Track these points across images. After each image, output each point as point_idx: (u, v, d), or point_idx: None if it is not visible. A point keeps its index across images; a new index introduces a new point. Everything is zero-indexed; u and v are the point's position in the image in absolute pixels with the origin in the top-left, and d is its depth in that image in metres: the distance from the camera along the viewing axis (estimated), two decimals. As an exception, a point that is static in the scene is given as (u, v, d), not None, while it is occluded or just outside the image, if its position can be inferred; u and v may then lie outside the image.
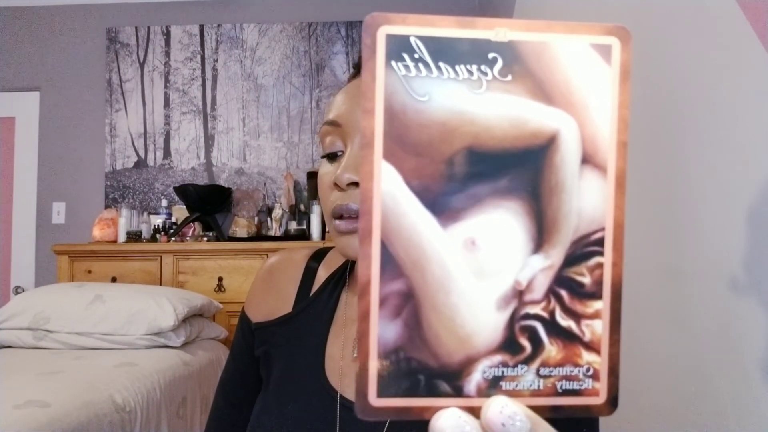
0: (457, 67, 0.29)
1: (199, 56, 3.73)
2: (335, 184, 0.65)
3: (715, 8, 1.00)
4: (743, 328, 0.92)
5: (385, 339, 0.30)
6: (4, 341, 2.42)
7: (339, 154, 0.67)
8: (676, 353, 1.12)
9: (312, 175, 3.46)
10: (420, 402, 0.30)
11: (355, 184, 0.64)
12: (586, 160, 0.30)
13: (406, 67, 0.29)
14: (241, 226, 3.28)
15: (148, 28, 3.73)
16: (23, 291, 3.46)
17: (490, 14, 3.21)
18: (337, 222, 0.65)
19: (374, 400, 0.30)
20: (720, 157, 0.99)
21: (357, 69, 0.75)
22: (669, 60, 1.13)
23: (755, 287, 0.90)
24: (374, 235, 0.29)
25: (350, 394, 0.69)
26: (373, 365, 0.30)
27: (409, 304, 0.30)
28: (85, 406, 1.69)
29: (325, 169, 0.69)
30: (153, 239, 3.28)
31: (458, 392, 0.30)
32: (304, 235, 3.30)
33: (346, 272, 0.79)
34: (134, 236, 3.30)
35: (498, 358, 0.31)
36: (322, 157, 0.70)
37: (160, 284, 3.08)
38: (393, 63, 0.29)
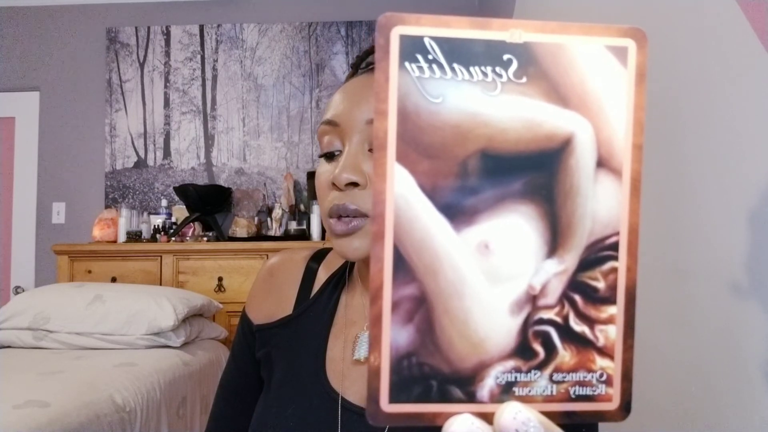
0: (471, 69, 0.29)
1: (199, 56, 3.72)
2: (333, 184, 0.65)
3: (715, 8, 1.00)
4: (744, 329, 0.92)
5: (398, 344, 0.29)
6: (4, 341, 2.42)
7: (337, 153, 0.67)
8: (676, 353, 1.12)
9: (312, 175, 3.45)
10: (432, 408, 0.30)
11: (354, 184, 0.63)
12: (601, 163, 0.30)
13: (420, 68, 0.29)
14: (241, 226, 3.28)
15: (148, 28, 3.73)
16: (23, 291, 3.45)
17: (490, 14, 3.20)
18: (334, 224, 0.65)
19: (386, 405, 0.29)
20: (721, 158, 0.99)
21: (355, 68, 0.75)
22: (669, 60, 1.13)
23: (756, 288, 0.89)
24: (387, 238, 0.29)
25: (351, 396, 0.69)
26: (385, 370, 0.29)
27: (421, 309, 0.29)
28: (85, 406, 1.68)
29: (323, 169, 0.68)
30: (153, 239, 3.28)
31: (471, 398, 0.30)
32: (304, 235, 3.30)
33: (346, 273, 0.79)
34: (134, 236, 3.30)
35: (511, 363, 0.30)
36: (320, 156, 0.70)
37: (160, 284, 3.07)
38: (406, 64, 0.29)
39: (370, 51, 0.75)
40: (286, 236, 3.31)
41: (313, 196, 3.38)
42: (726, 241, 0.97)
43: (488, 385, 0.30)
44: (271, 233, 3.34)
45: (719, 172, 0.99)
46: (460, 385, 0.30)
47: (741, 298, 0.93)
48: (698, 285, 1.05)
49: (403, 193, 0.29)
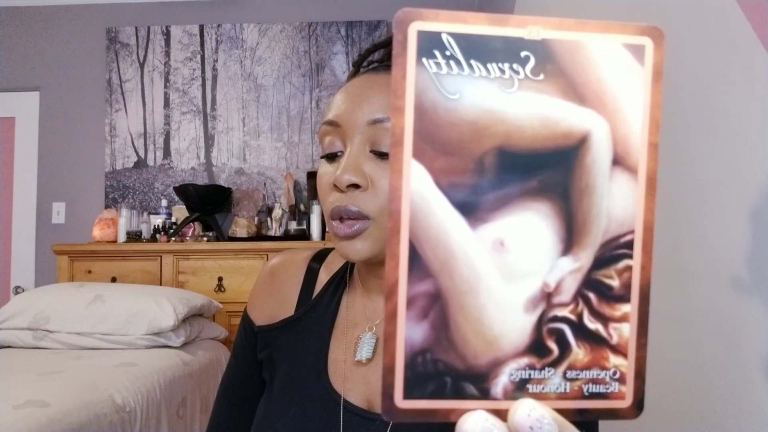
0: (488, 65, 0.29)
1: (199, 56, 3.72)
2: (334, 185, 0.64)
3: (715, 8, 1.00)
4: (745, 328, 0.92)
5: (412, 340, 0.29)
6: (4, 341, 2.41)
7: (338, 154, 0.67)
8: (677, 352, 1.12)
9: (312, 175, 3.45)
10: (446, 404, 0.30)
11: (355, 185, 0.63)
12: (617, 161, 0.30)
13: (437, 64, 0.29)
14: (241, 226, 3.28)
15: (148, 28, 3.72)
16: (23, 291, 3.45)
17: (490, 12, 3.20)
18: (337, 226, 0.65)
19: (400, 401, 0.29)
20: (721, 157, 0.99)
21: (357, 67, 0.74)
22: (669, 60, 1.13)
23: (758, 287, 0.90)
24: (402, 234, 0.29)
25: (353, 397, 0.69)
26: (400, 366, 0.29)
27: (436, 305, 0.29)
28: (85, 406, 1.68)
29: (324, 170, 0.68)
30: (153, 239, 3.28)
31: (485, 394, 0.30)
32: (304, 235, 3.30)
33: (346, 274, 0.79)
34: (134, 236, 3.30)
35: (525, 360, 0.30)
36: (322, 157, 0.69)
37: (160, 284, 3.07)
38: (424, 60, 0.29)
39: (372, 49, 0.74)
40: (286, 236, 3.31)
41: (313, 196, 3.38)
42: (727, 239, 0.97)
43: (502, 382, 0.30)
44: (271, 233, 3.33)
45: (719, 170, 1.00)
46: (474, 381, 0.30)
47: (742, 296, 0.93)
48: (699, 283, 1.05)
49: (419, 189, 0.29)
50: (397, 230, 0.29)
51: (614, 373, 0.31)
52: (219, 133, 3.69)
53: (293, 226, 3.34)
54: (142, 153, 3.68)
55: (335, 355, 0.72)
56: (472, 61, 0.29)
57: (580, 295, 0.30)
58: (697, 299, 1.07)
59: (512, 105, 0.29)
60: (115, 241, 3.32)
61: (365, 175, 0.63)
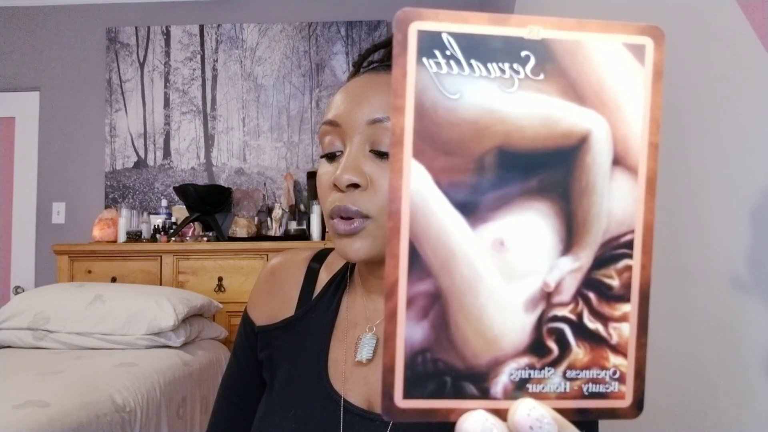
0: (489, 65, 0.29)
1: (199, 56, 3.72)
2: (335, 185, 0.64)
3: (715, 8, 1.00)
4: (745, 328, 0.92)
5: (412, 340, 0.29)
6: (4, 341, 2.41)
7: (338, 154, 0.67)
8: (677, 353, 1.12)
9: (312, 175, 3.45)
10: (446, 404, 0.30)
11: (355, 185, 0.63)
12: (617, 161, 0.30)
13: (438, 64, 0.29)
14: (241, 226, 3.28)
15: (148, 28, 3.72)
16: (23, 291, 3.45)
17: (490, 11, 3.20)
18: (336, 223, 0.65)
19: (400, 401, 0.29)
20: (722, 157, 0.99)
21: (357, 67, 0.74)
22: (669, 60, 1.12)
23: (758, 287, 0.90)
24: (402, 234, 0.29)
25: (353, 398, 0.69)
26: (400, 366, 0.29)
27: (436, 305, 0.29)
28: (85, 406, 1.68)
29: (324, 169, 0.68)
30: (153, 239, 3.27)
31: (485, 394, 0.30)
32: (304, 235, 3.30)
33: (347, 275, 0.79)
34: (134, 236, 3.30)
35: (525, 360, 0.30)
36: (321, 157, 0.69)
37: (160, 284, 3.07)
38: (424, 60, 0.29)
39: (372, 49, 0.74)
40: (286, 236, 3.31)
41: (313, 196, 3.38)
42: (727, 239, 0.97)
43: (502, 381, 0.30)
44: (271, 233, 3.33)
45: (720, 170, 1.00)
46: (474, 381, 0.30)
47: (742, 296, 0.93)
48: (699, 283, 1.06)
49: (419, 189, 0.29)
50: (397, 230, 0.29)
51: (614, 373, 0.31)
52: (219, 133, 3.69)
53: (293, 226, 3.34)
54: (142, 153, 3.68)
55: (335, 356, 0.72)
56: (473, 61, 0.29)
57: (580, 294, 0.30)
58: (697, 299, 1.07)
59: (512, 105, 0.29)
60: (115, 241, 3.32)
61: (365, 175, 0.63)
